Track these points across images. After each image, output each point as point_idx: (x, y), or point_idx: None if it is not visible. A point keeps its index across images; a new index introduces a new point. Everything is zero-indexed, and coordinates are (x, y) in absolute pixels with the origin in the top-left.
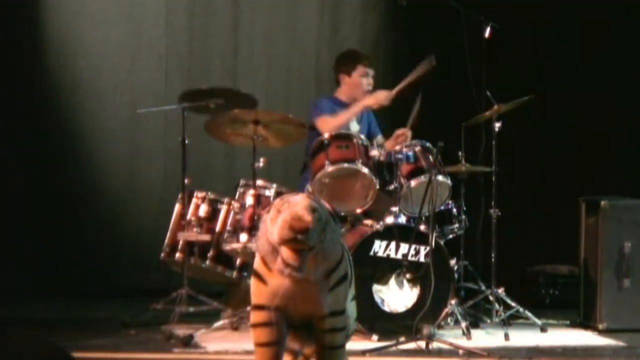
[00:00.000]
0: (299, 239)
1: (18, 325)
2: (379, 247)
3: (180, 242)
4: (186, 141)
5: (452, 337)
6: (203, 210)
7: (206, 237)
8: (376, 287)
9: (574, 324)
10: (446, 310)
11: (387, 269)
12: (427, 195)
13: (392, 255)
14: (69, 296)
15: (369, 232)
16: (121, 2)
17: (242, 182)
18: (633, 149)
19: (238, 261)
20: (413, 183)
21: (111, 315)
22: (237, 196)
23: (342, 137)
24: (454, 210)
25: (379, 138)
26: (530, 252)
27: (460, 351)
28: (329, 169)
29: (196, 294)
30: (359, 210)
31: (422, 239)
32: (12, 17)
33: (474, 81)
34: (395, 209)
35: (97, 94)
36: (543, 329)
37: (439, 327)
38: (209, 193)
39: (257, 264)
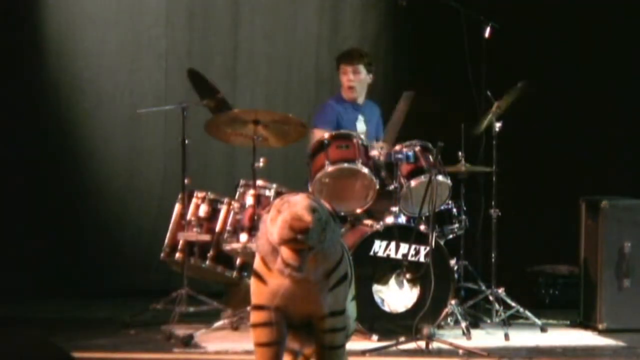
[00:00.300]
0: (299, 239)
1: (18, 325)
2: (379, 247)
3: (180, 242)
4: (186, 141)
5: (452, 337)
6: (203, 210)
7: (206, 237)
8: (376, 287)
9: (574, 324)
10: (446, 310)
11: (387, 269)
12: (427, 195)
13: (392, 255)
14: (69, 296)
15: (369, 232)
16: (121, 2)
17: (242, 182)
18: (633, 149)
19: (238, 261)
20: (413, 183)
21: (111, 315)
22: (237, 196)
23: (342, 137)
24: (454, 210)
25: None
26: (530, 252)
27: (460, 351)
28: (329, 169)
29: (196, 294)
30: (359, 210)
31: (422, 239)
32: (12, 17)
33: (474, 81)
34: (395, 209)
35: (97, 94)
36: (543, 329)
37: (439, 327)
38: (209, 193)
39: (257, 264)
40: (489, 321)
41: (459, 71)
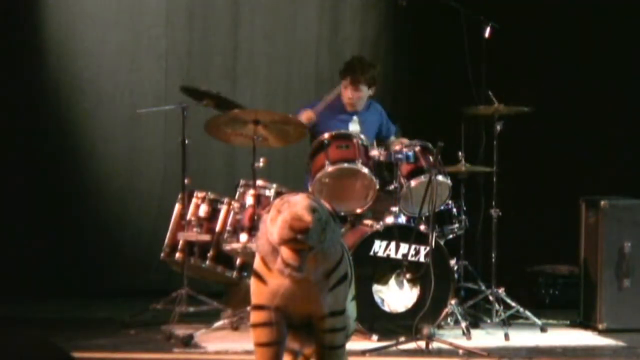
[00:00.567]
0: (299, 239)
1: (18, 325)
2: (379, 247)
3: (180, 242)
4: (186, 141)
5: (452, 337)
6: (203, 210)
7: (206, 237)
8: (376, 287)
9: (574, 324)
10: (446, 310)
11: (387, 269)
12: (427, 195)
13: (392, 255)
14: (69, 296)
15: (369, 232)
16: (121, 2)
17: (242, 182)
18: (633, 149)
19: (238, 261)
20: (413, 183)
21: (111, 315)
22: (237, 196)
23: (342, 137)
24: (454, 210)
25: (392, 138)
26: (530, 252)
27: (460, 351)
28: (329, 169)
29: (196, 294)
30: (359, 210)
31: (422, 239)
32: (12, 17)
33: (474, 81)
34: (395, 209)
35: (97, 94)
36: (543, 329)
37: (439, 327)
38: (209, 193)
39: (257, 264)
40: (489, 321)
41: (459, 71)
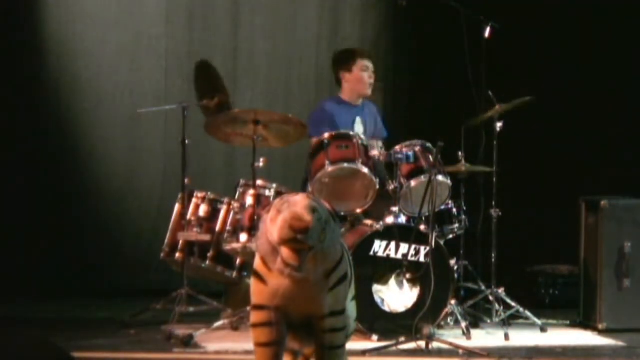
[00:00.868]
0: (299, 239)
1: (18, 325)
2: (379, 247)
3: (180, 242)
4: (186, 141)
5: (452, 337)
6: (203, 210)
7: (206, 237)
8: (376, 287)
9: (574, 324)
10: (446, 310)
11: (387, 269)
12: (427, 195)
13: (392, 255)
14: (69, 296)
15: (369, 232)
16: (121, 2)
17: (242, 182)
18: (633, 149)
19: (238, 261)
20: (413, 183)
21: (111, 315)
22: (237, 196)
23: (342, 137)
24: (454, 210)
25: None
26: (530, 252)
27: (460, 351)
28: (329, 169)
29: (196, 294)
30: (359, 210)
31: (422, 239)
32: (12, 17)
33: (474, 81)
34: (395, 209)
35: (97, 94)
36: (543, 329)
37: (439, 327)
38: (209, 193)
39: (257, 264)
40: (489, 321)
41: (459, 71)
